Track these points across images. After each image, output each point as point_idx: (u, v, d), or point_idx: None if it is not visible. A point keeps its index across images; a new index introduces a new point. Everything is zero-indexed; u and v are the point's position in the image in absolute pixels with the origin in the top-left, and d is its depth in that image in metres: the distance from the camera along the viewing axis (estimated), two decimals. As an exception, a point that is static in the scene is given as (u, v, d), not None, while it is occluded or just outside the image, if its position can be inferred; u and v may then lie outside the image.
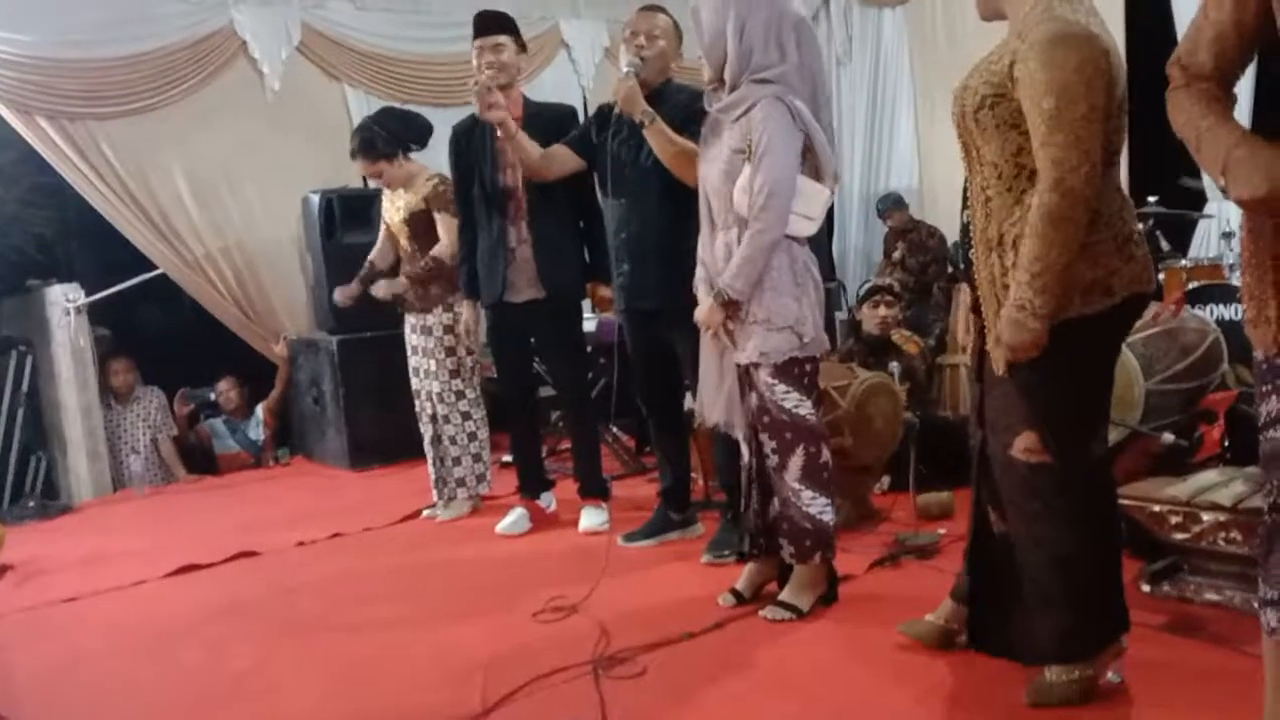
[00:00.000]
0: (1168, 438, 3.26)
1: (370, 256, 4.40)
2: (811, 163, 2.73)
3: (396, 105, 5.29)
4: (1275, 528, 1.71)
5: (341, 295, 4.38)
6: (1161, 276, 4.87)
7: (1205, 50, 1.76)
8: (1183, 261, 4.92)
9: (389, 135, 4.15)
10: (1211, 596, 2.62)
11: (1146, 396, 3.37)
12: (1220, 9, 1.73)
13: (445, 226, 4.07)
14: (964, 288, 2.59)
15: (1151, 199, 4.80)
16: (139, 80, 5.62)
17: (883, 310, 4.37)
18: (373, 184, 5.89)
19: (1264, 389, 1.72)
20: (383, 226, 4.38)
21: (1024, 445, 2.09)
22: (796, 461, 2.75)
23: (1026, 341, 1.97)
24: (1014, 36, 2.02)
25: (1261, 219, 1.68)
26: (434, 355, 4.17)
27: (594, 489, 3.93)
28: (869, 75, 7.69)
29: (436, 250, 4.09)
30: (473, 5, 6.14)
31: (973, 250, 2.14)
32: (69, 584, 3.68)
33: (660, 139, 3.07)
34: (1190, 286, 4.44)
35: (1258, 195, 1.57)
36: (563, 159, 3.52)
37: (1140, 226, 2.08)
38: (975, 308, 2.21)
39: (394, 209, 4.21)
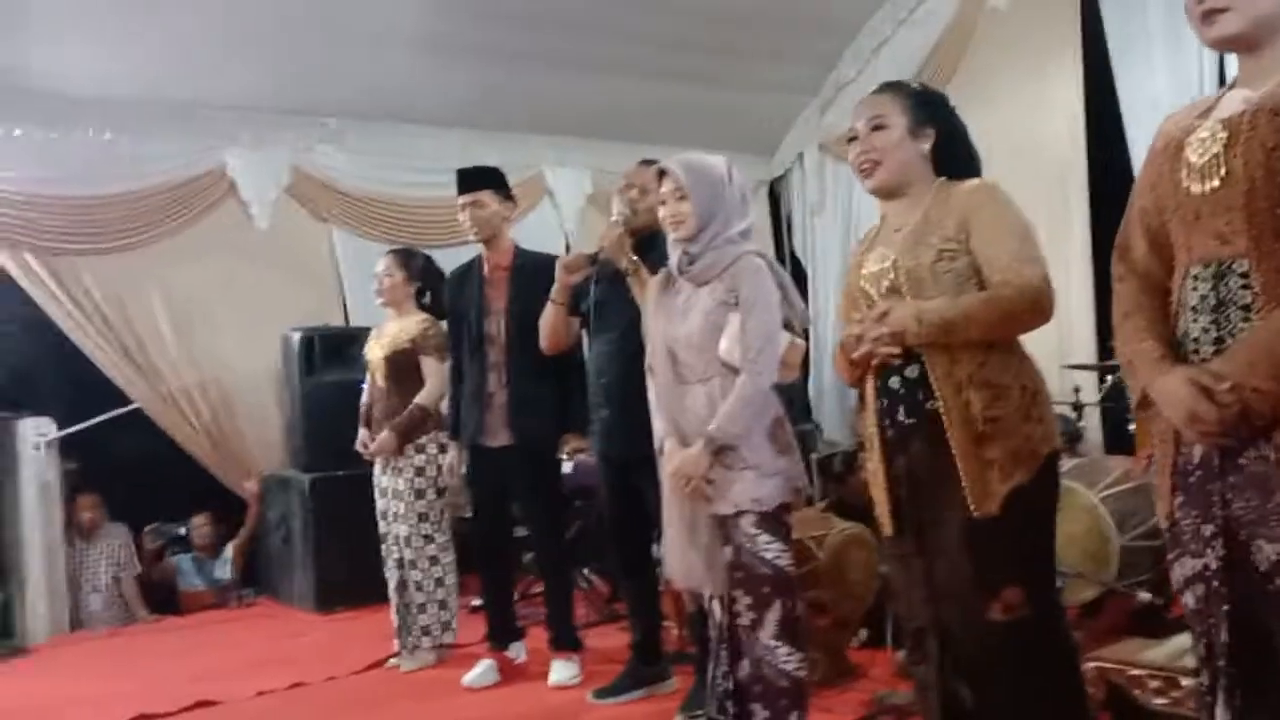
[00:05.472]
0: (1144, 596, 3.24)
1: (364, 400, 4.33)
2: (784, 314, 2.80)
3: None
4: (1215, 677, 1.70)
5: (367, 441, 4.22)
6: (1132, 428, 4.91)
7: (1136, 236, 1.83)
8: (1152, 414, 4.96)
9: (427, 266, 4.27)
10: (1194, 765, 2.56)
11: (1121, 553, 3.37)
12: (1144, 196, 1.81)
13: (431, 370, 4.08)
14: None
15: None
16: (125, 219, 5.66)
17: None
18: (353, 319, 5.95)
19: (1169, 557, 1.76)
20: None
21: (1007, 602, 2.05)
22: (773, 616, 2.68)
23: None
24: (937, 205, 2.20)
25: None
26: (403, 498, 4.11)
27: (565, 642, 3.84)
28: (841, 224, 7.89)
29: (422, 397, 4.07)
30: (461, 150, 6.25)
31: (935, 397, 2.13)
32: (12, 736, 3.54)
33: (644, 288, 3.11)
34: (1160, 440, 4.47)
35: (1183, 423, 1.67)
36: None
37: None
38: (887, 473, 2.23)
39: (377, 344, 4.22)
